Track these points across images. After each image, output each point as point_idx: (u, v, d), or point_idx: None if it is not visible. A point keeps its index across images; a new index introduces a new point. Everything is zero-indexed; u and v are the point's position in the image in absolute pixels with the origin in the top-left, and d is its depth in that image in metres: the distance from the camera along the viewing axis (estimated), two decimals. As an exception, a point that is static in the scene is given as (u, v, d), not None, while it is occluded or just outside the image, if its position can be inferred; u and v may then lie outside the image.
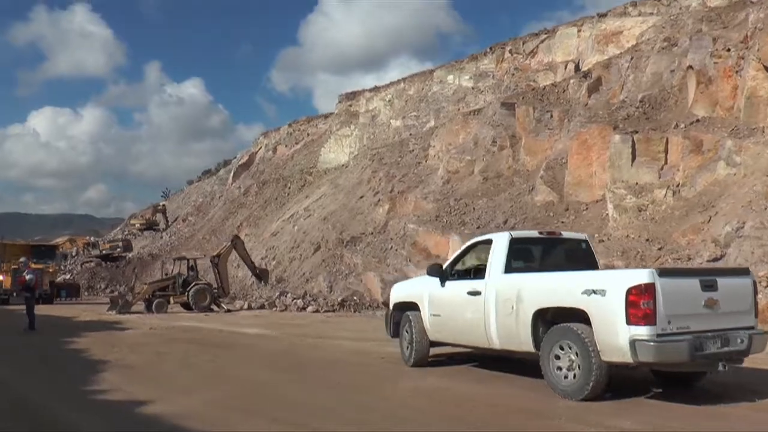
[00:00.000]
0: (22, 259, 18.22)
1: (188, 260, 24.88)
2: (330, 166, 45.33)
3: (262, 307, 24.48)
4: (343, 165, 43.52)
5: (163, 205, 64.71)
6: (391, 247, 27.06)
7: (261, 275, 25.66)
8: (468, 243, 8.95)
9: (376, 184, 34.31)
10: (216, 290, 24.01)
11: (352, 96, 49.57)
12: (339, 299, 22.79)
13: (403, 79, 43.41)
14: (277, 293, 25.68)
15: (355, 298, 23.30)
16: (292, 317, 20.72)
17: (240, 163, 63.77)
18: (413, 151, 35.23)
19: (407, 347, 9.39)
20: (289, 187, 46.88)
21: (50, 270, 30.70)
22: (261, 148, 63.34)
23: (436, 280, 8.76)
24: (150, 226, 62.05)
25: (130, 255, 53.02)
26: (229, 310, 23.32)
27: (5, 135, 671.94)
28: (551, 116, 27.41)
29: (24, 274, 16.65)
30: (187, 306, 23.96)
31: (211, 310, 23.37)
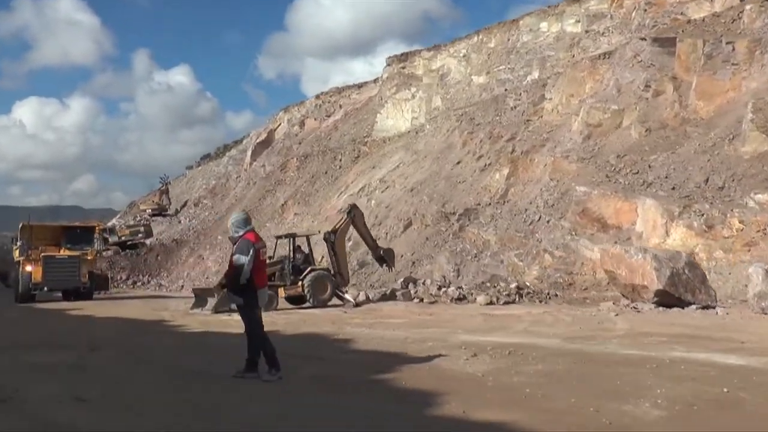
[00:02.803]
0: (235, 220, 7.06)
1: (295, 238, 18.63)
2: (389, 133, 39.50)
3: (389, 297, 18.43)
4: (407, 131, 37.72)
5: (166, 185, 59.04)
6: (540, 218, 21.29)
7: (385, 257, 19.47)
8: None
9: (475, 147, 28.50)
10: (334, 277, 18.01)
11: (404, 58, 43.73)
12: (513, 286, 16.94)
13: (477, 33, 37.53)
14: (401, 279, 19.86)
15: (528, 284, 17.46)
16: (530, 317, 13.63)
17: (258, 141, 59.06)
18: (515, 107, 29.43)
19: None
20: (340, 160, 40.91)
21: (89, 257, 24.22)
22: (280, 123, 59.02)
23: None
24: (161, 210, 56.81)
25: (149, 242, 47.16)
26: (357, 304, 17.34)
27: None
28: (733, 49, 21.75)
29: (235, 253, 6.93)
30: (296, 300, 17.99)
31: (325, 305, 17.47)
